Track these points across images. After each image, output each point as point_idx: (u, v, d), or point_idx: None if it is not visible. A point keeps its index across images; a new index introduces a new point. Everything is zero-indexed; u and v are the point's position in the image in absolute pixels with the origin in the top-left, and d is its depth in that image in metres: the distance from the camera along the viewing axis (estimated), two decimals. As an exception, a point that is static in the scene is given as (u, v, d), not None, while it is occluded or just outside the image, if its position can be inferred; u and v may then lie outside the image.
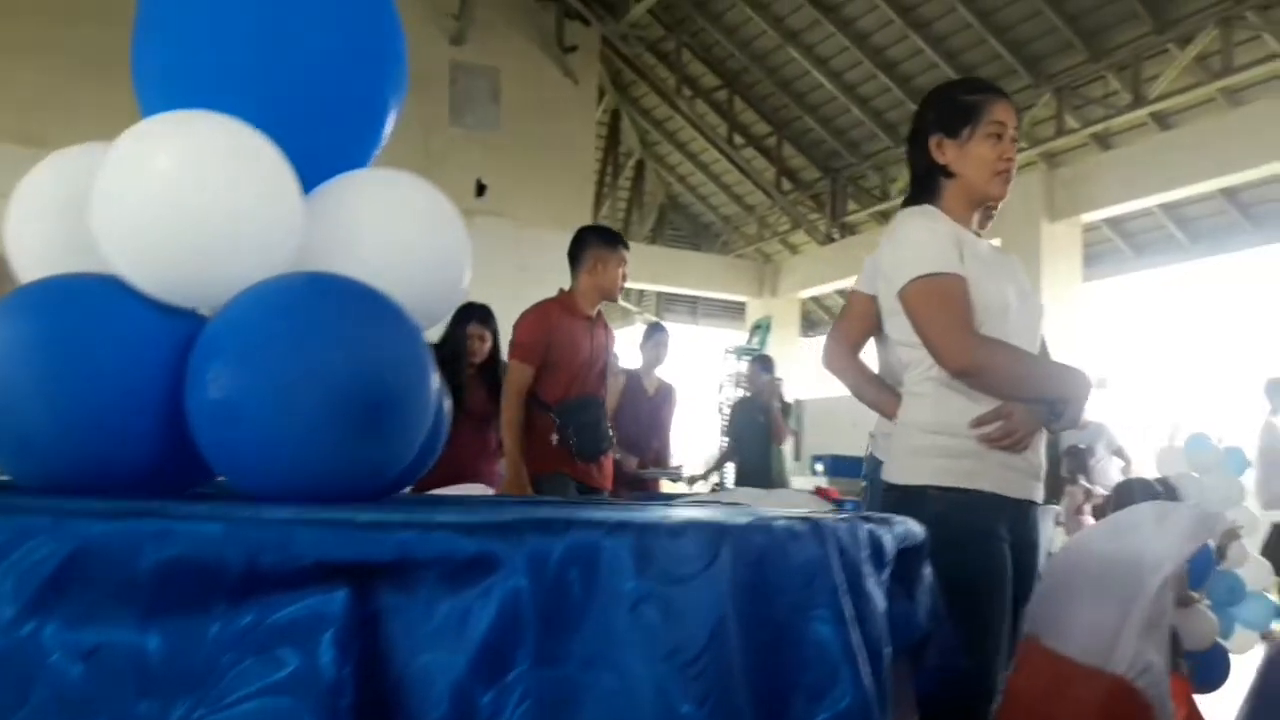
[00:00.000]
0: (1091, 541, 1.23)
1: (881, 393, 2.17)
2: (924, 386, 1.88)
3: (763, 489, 4.46)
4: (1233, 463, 4.33)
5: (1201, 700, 3.17)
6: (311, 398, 0.99)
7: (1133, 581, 1.13)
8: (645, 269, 12.49)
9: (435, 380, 1.09)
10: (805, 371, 13.59)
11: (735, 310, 14.13)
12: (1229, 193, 8.76)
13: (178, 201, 1.03)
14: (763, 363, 6.23)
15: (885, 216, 11.91)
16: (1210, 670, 3.43)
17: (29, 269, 1.14)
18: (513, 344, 3.58)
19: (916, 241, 1.84)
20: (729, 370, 12.07)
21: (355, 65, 1.19)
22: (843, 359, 2.33)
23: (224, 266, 1.05)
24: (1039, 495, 1.89)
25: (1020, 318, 1.89)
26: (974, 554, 1.75)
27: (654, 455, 5.38)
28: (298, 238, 1.09)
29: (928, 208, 1.91)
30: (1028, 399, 1.81)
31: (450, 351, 4.06)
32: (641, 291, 14.41)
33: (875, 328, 2.23)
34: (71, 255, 1.09)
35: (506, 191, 10.06)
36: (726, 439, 6.22)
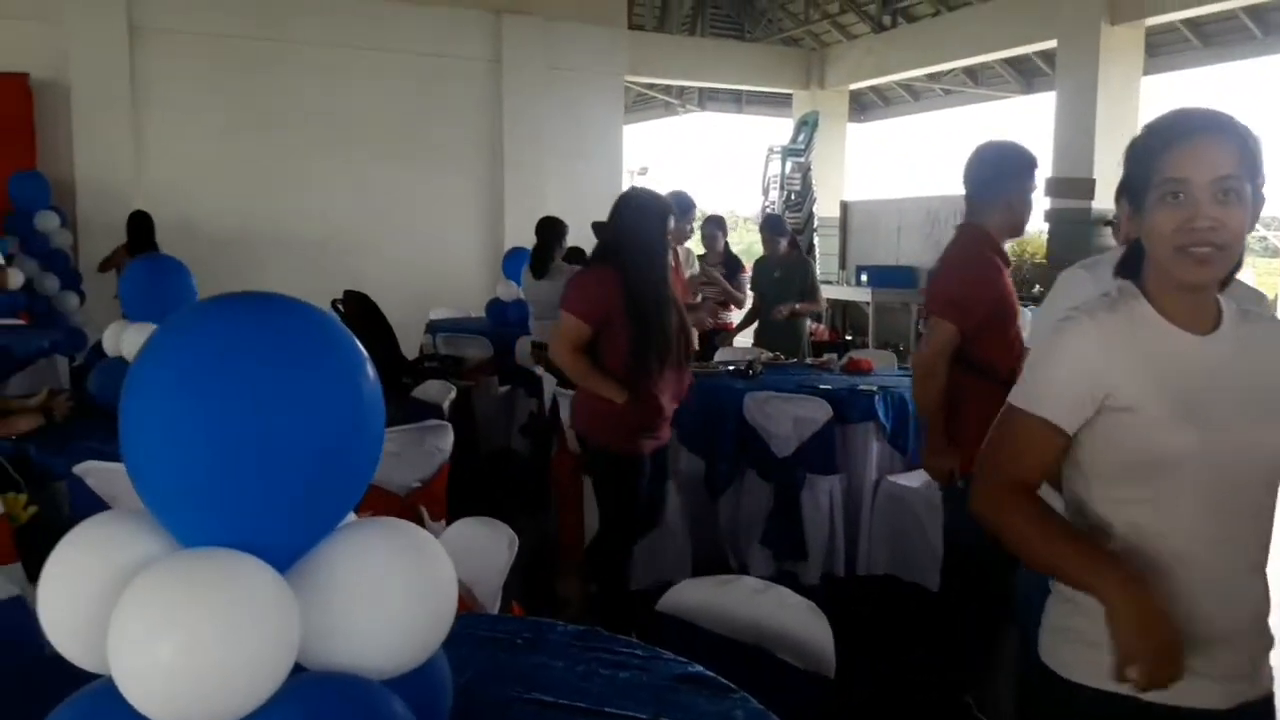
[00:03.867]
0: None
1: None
2: None
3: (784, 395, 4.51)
4: None
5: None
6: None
7: None
8: (684, 62, 12.02)
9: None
10: (853, 164, 13.23)
11: (783, 100, 13.61)
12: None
13: (199, 653, 1.15)
14: (774, 226, 6.19)
15: (944, 2, 11.18)
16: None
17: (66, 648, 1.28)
18: (944, 301, 2.89)
19: (1046, 357, 1.46)
20: (774, 172, 11.84)
21: (336, 455, 1.26)
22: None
23: (236, 700, 1.19)
24: (1235, 697, 1.44)
25: (1213, 450, 1.37)
26: None
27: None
28: (296, 648, 1.23)
29: (1123, 294, 1.46)
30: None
31: (657, 275, 3.20)
32: (682, 87, 13.94)
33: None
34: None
35: (532, -16, 9.47)
36: (753, 293, 6.24)
